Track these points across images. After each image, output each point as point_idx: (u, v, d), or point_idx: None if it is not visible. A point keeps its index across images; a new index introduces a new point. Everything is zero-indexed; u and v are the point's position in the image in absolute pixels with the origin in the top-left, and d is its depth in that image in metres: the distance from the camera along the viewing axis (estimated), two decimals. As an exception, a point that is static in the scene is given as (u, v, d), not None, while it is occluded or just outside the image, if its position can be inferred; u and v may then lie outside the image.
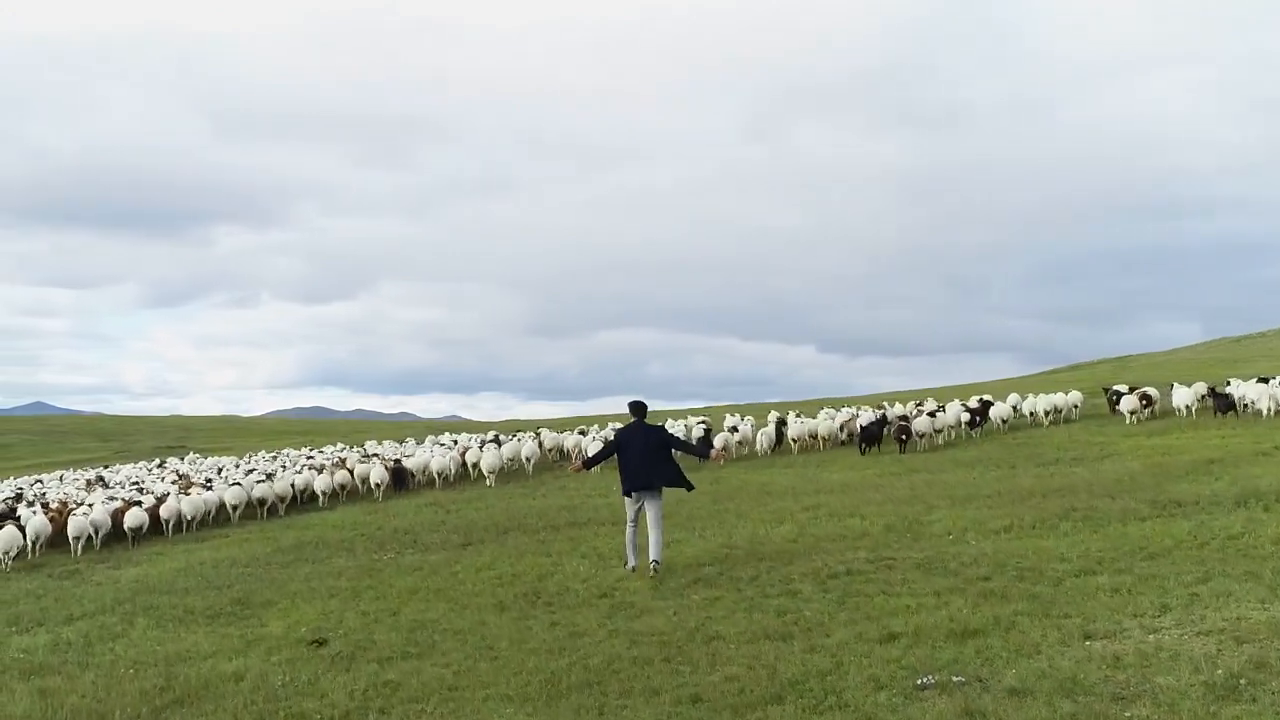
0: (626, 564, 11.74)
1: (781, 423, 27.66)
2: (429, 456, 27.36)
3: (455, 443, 33.17)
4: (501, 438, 32.53)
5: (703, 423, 31.05)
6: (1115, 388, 28.99)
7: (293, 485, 24.89)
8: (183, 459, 44.06)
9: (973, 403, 28.54)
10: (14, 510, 23.02)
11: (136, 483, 30.68)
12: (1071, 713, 5.82)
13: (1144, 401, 25.64)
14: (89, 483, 33.92)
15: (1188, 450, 18.26)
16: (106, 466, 44.83)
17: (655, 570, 11.32)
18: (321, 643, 9.46)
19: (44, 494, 29.08)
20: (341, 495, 25.11)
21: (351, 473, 26.18)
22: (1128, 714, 5.74)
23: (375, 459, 28.89)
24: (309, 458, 34.78)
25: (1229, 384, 26.29)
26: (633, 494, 11.94)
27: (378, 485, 24.84)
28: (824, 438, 26.36)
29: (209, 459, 41.90)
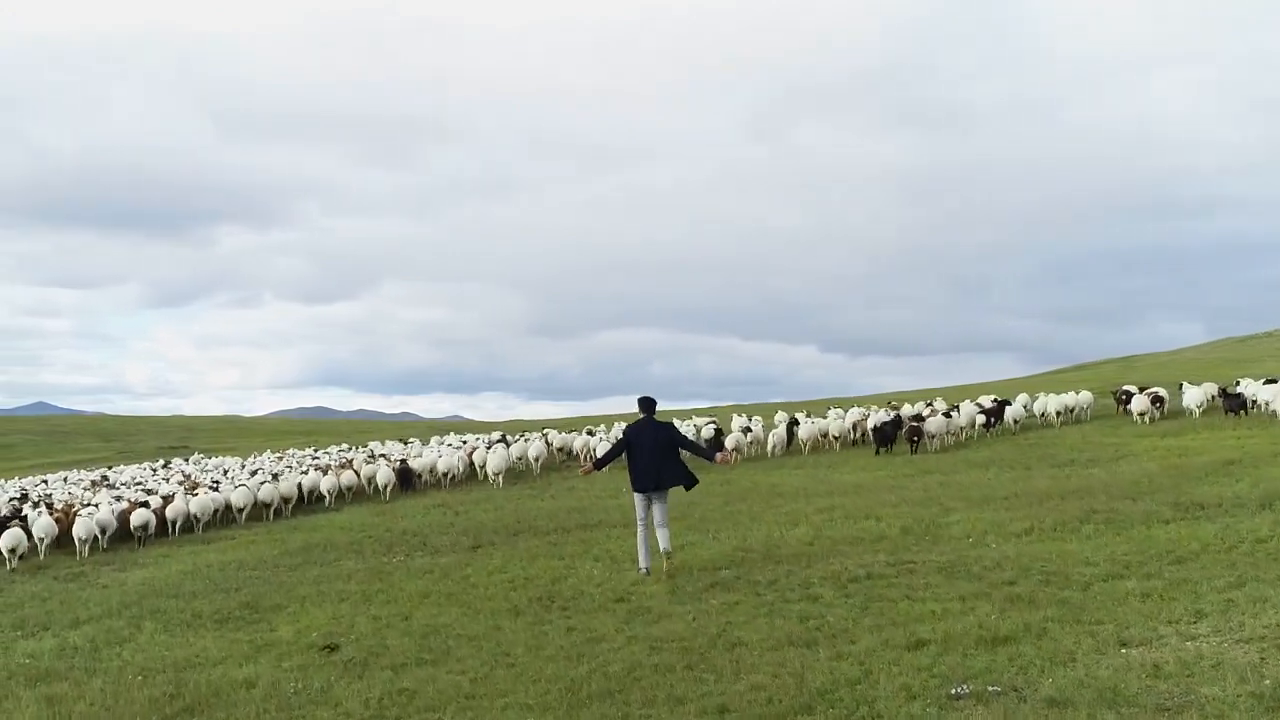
0: (639, 567, 11.57)
1: (794, 423, 27.47)
2: (436, 457, 27.24)
3: (465, 443, 33.03)
4: (509, 438, 32.37)
5: (711, 422, 30.88)
6: (1125, 388, 28.84)
7: (299, 486, 24.76)
8: (187, 459, 43.93)
9: (987, 402, 28.35)
10: (19, 511, 22.88)
11: (140, 483, 30.53)
12: (1115, 725, 5.64)
13: (1155, 402, 25.45)
14: (93, 483, 33.79)
15: (1205, 451, 18.05)
16: (110, 467, 44.69)
17: (668, 557, 11.38)
18: (333, 648, 9.27)
19: (49, 495, 28.91)
20: (348, 496, 24.97)
21: (358, 473, 26.05)
22: (1173, 726, 5.56)
23: (381, 459, 28.78)
24: (314, 458, 34.64)
25: (1237, 384, 26.14)
26: (641, 492, 11.83)
27: (385, 486, 24.73)
28: (835, 438, 26.18)
29: (213, 459, 41.77)
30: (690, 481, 11.97)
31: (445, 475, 26.18)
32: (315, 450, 39.87)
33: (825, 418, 28.49)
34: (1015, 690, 6.32)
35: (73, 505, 24.08)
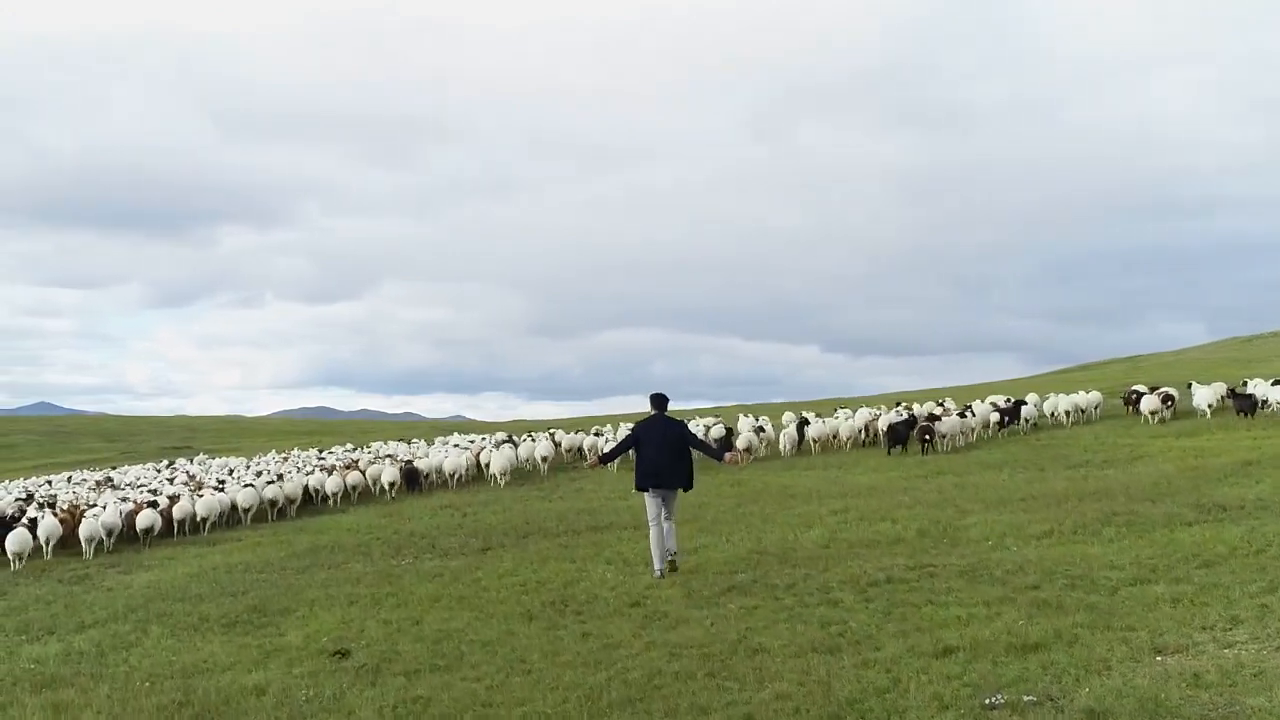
0: (654, 570, 11.38)
1: (805, 423, 27.28)
2: (443, 457, 27.11)
3: (473, 442, 32.89)
4: (515, 438, 32.22)
5: (719, 422, 30.71)
6: (1134, 388, 28.65)
7: (305, 486, 24.65)
8: (191, 460, 43.80)
9: (1001, 402, 28.16)
10: (24, 512, 22.74)
11: (143, 484, 30.38)
12: (1158, 737, 5.46)
13: (1165, 402, 25.25)
14: (98, 484, 33.67)
15: (1221, 452, 17.84)
16: (114, 468, 44.55)
17: (674, 559, 11.42)
18: (344, 654, 9.09)
19: (54, 496, 28.76)
20: (353, 496, 24.84)
21: (363, 473, 25.94)
22: (1219, 739, 5.38)
23: (387, 459, 28.66)
24: (320, 458, 34.51)
25: (1245, 384, 25.97)
26: (650, 490, 11.66)
27: (390, 486, 24.62)
28: (846, 438, 26.00)
29: (217, 459, 41.63)
30: (688, 484, 11.82)
31: (452, 475, 26.05)
32: (320, 451, 39.73)
33: (834, 418, 28.32)
34: (1051, 700, 6.13)
35: (78, 506, 23.96)
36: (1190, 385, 26.61)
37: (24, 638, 11.36)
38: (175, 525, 20.90)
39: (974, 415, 25.33)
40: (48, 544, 18.97)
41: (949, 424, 23.76)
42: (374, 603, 11.29)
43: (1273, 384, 24.56)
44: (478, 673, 8.10)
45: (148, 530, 19.79)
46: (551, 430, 35.02)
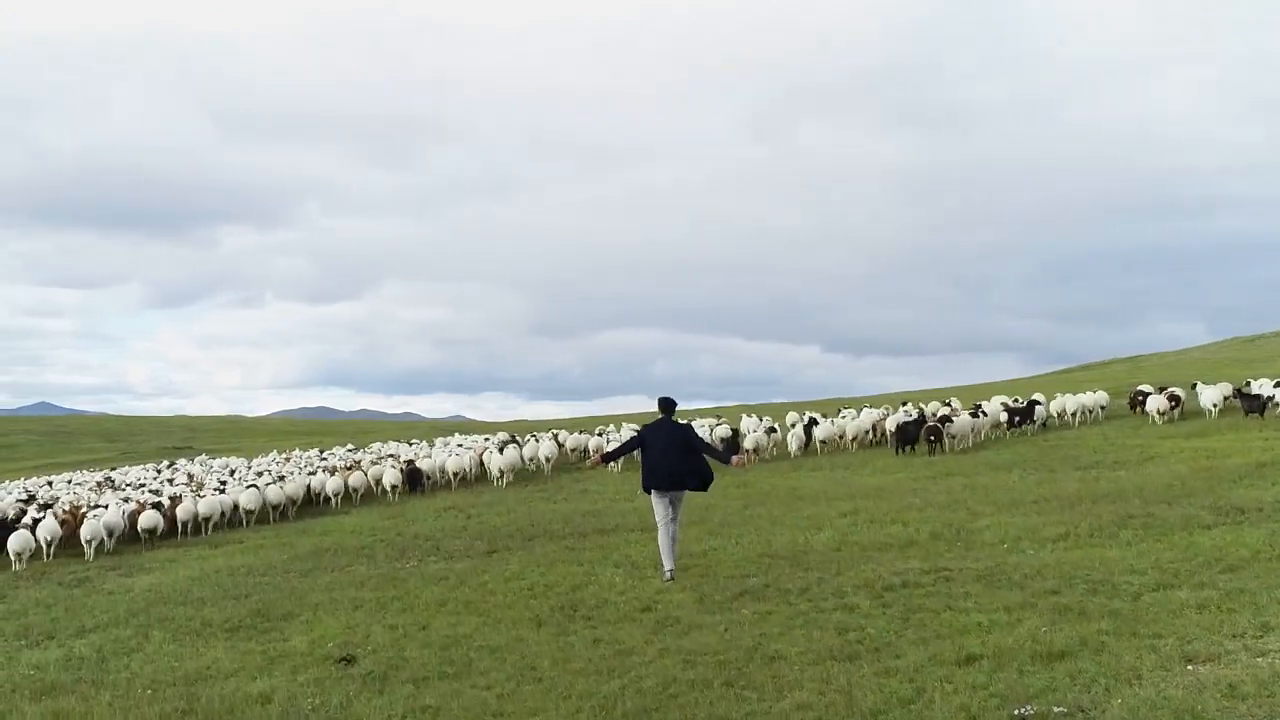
0: (663, 572, 11.23)
1: (813, 423, 27.10)
2: (446, 457, 26.98)
3: (480, 441, 32.75)
4: (518, 439, 32.09)
5: (722, 422, 30.54)
6: (1140, 388, 28.49)
7: (308, 488, 24.52)
8: (192, 460, 43.64)
9: (1010, 402, 27.97)
10: (25, 512, 22.61)
11: (143, 485, 30.22)
12: (1195, 751, 5.27)
13: (1172, 402, 25.06)
14: (99, 484, 33.52)
15: (1233, 453, 17.63)
16: (114, 468, 44.40)
17: (669, 577, 11.15)
18: (350, 660, 8.91)
19: (55, 497, 28.60)
20: (355, 497, 24.69)
21: (365, 474, 25.81)
22: (1260, 753, 5.19)
23: (390, 460, 28.54)
24: (321, 459, 34.36)
25: (1248, 384, 25.82)
26: (655, 492, 11.52)
27: (392, 487, 24.49)
28: (853, 439, 25.81)
29: (218, 460, 41.47)
30: (704, 485, 11.63)
31: (455, 476, 25.92)
32: (321, 451, 39.57)
33: (841, 418, 28.15)
34: (1082, 711, 5.95)
35: (79, 506, 23.82)
36: (1195, 386, 26.45)
37: (24, 643, 11.19)
38: (179, 526, 20.77)
39: (986, 415, 25.10)
40: (48, 545, 18.83)
41: (961, 423, 23.53)
42: (379, 607, 11.11)
43: (1276, 385, 24.41)
44: (487, 680, 7.92)
45: (151, 531, 19.65)
46: (554, 431, 34.87)
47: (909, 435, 23.12)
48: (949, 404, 30.27)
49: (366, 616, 10.68)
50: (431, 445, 34.51)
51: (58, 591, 14.62)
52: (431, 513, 20.01)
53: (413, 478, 25.22)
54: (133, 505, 22.03)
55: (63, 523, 19.89)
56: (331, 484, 24.61)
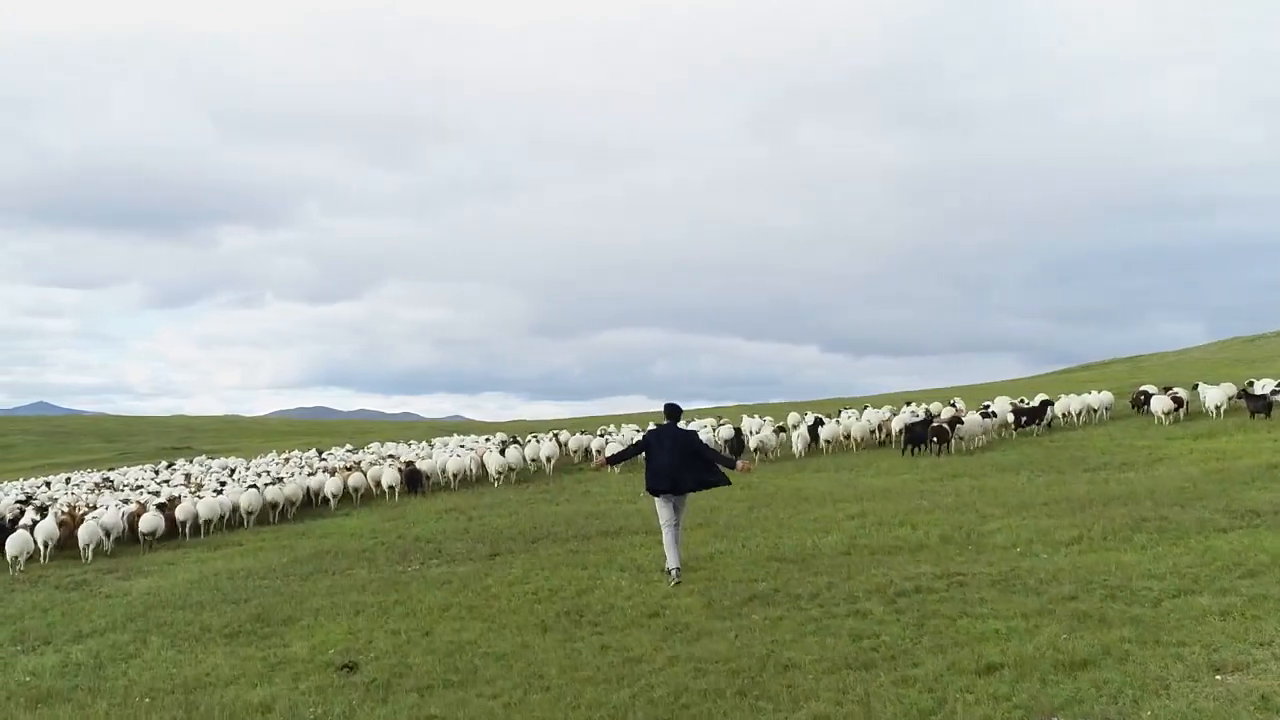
0: (669, 568, 11.25)
1: (819, 423, 26.93)
2: (446, 457, 26.85)
3: (481, 443, 32.61)
4: (520, 440, 31.94)
5: (724, 422, 30.37)
6: (1143, 388, 28.35)
7: (307, 489, 24.37)
8: (191, 460, 43.48)
9: (1014, 401, 27.80)
10: (23, 513, 22.49)
11: (140, 486, 30.07)
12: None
13: (1176, 403, 24.90)
14: (97, 485, 33.38)
15: (1243, 455, 17.44)
16: (112, 468, 44.25)
17: (676, 578, 11.12)
18: (352, 667, 8.72)
19: (53, 498, 28.45)
20: (355, 498, 24.54)
21: (365, 474, 25.69)
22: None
23: (390, 460, 28.41)
24: (321, 460, 34.21)
25: (1250, 384, 25.68)
26: (660, 495, 11.58)
27: (391, 488, 24.39)
28: (857, 439, 25.63)
29: (217, 460, 41.31)
30: (713, 482, 11.68)
31: (455, 476, 25.77)
32: (320, 452, 39.41)
33: (847, 418, 27.99)
34: (1110, 724, 5.77)
35: (74, 506, 23.71)
36: (1197, 386, 26.31)
37: (19, 648, 11.01)
38: (178, 527, 20.62)
39: (996, 415, 24.91)
40: (45, 547, 18.67)
41: (972, 424, 23.33)
42: (381, 612, 10.92)
43: (1278, 385, 24.25)
44: (494, 689, 7.73)
45: (151, 533, 19.49)
46: (555, 431, 34.72)
47: (917, 436, 22.93)
48: (954, 404, 30.12)
49: (368, 622, 10.48)
50: (431, 446, 34.35)
51: (55, 595, 14.43)
52: (432, 515, 19.81)
53: (412, 479, 25.08)
54: (132, 507, 21.89)
55: (61, 524, 19.74)
56: (331, 485, 24.47)
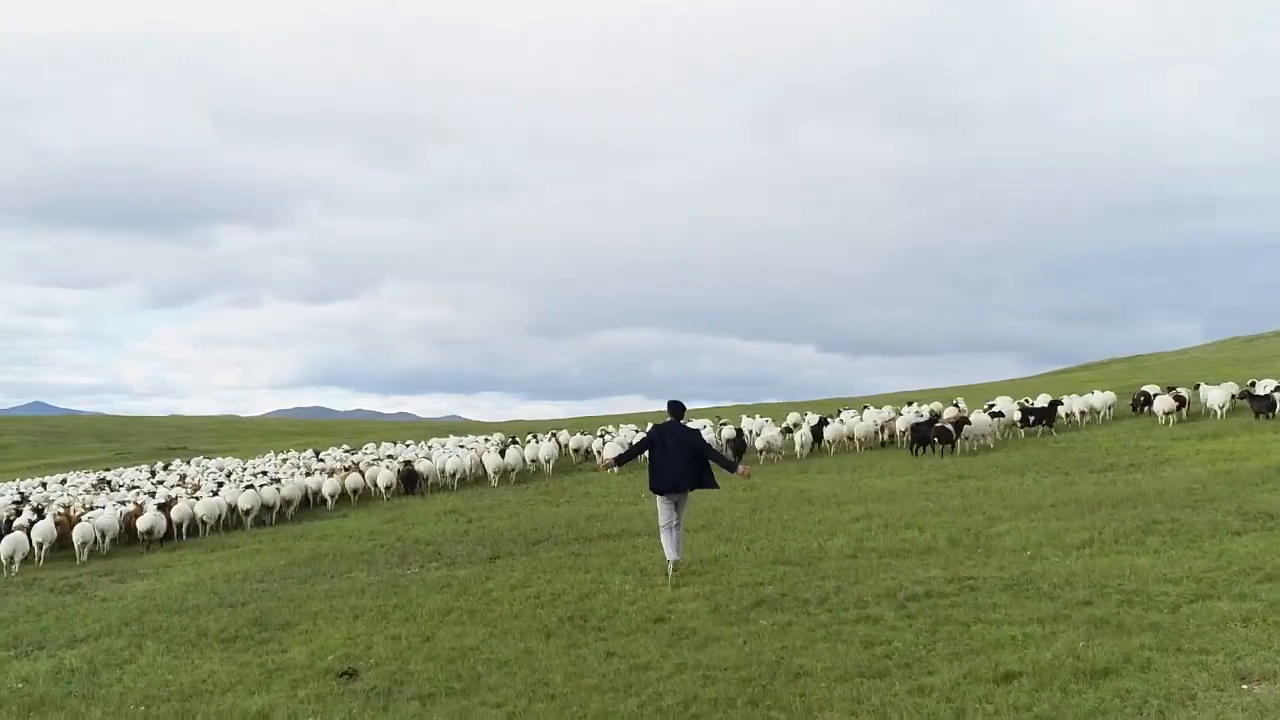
0: (668, 560, 11.38)
1: (823, 423, 26.76)
2: (445, 458, 26.69)
3: (481, 443, 32.46)
4: (518, 440, 31.79)
5: (723, 423, 30.20)
6: (1145, 388, 28.24)
7: (305, 489, 24.21)
8: (188, 461, 43.28)
9: (1011, 401, 27.63)
10: (19, 513, 22.35)
11: (136, 487, 29.88)
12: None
13: (1178, 403, 24.76)
14: (94, 486, 33.20)
15: (1251, 456, 17.27)
16: (109, 469, 44.04)
17: (675, 568, 11.23)
18: (352, 674, 8.52)
19: (48, 499, 28.27)
20: (353, 499, 24.39)
21: (363, 474, 25.55)
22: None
23: (388, 460, 28.27)
24: (320, 460, 34.02)
25: (1253, 384, 25.57)
26: (662, 495, 11.58)
27: (386, 488, 24.29)
28: (861, 439, 25.45)
29: (214, 460, 41.11)
30: (710, 484, 11.77)
31: (453, 476, 25.61)
32: (317, 453, 39.22)
33: (851, 418, 27.84)
34: (1137, 736, 5.58)
35: (68, 506, 23.55)
36: (1198, 386, 26.20)
37: (12, 653, 10.81)
38: (174, 528, 20.44)
39: (1004, 415, 24.72)
40: (40, 548, 18.51)
41: (980, 424, 23.13)
42: (381, 616, 10.72)
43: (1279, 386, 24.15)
44: (497, 697, 7.54)
45: (149, 533, 19.33)
46: (553, 432, 34.56)
47: (923, 436, 22.73)
48: (956, 404, 29.96)
49: (368, 626, 10.29)
50: (429, 447, 34.17)
51: (49, 598, 14.23)
52: (431, 516, 19.60)
53: (409, 479, 24.92)
54: (129, 507, 21.72)
55: (58, 524, 19.59)
56: (329, 485, 24.31)
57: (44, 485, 36.16)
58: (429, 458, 27.82)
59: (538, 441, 28.63)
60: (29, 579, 16.26)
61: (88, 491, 30.93)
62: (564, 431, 33.36)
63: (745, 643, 8.32)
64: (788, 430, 26.28)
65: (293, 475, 26.36)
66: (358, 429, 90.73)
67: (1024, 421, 25.00)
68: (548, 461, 26.17)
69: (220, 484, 26.02)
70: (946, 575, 10.07)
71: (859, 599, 9.42)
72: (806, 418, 30.01)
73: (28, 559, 18.05)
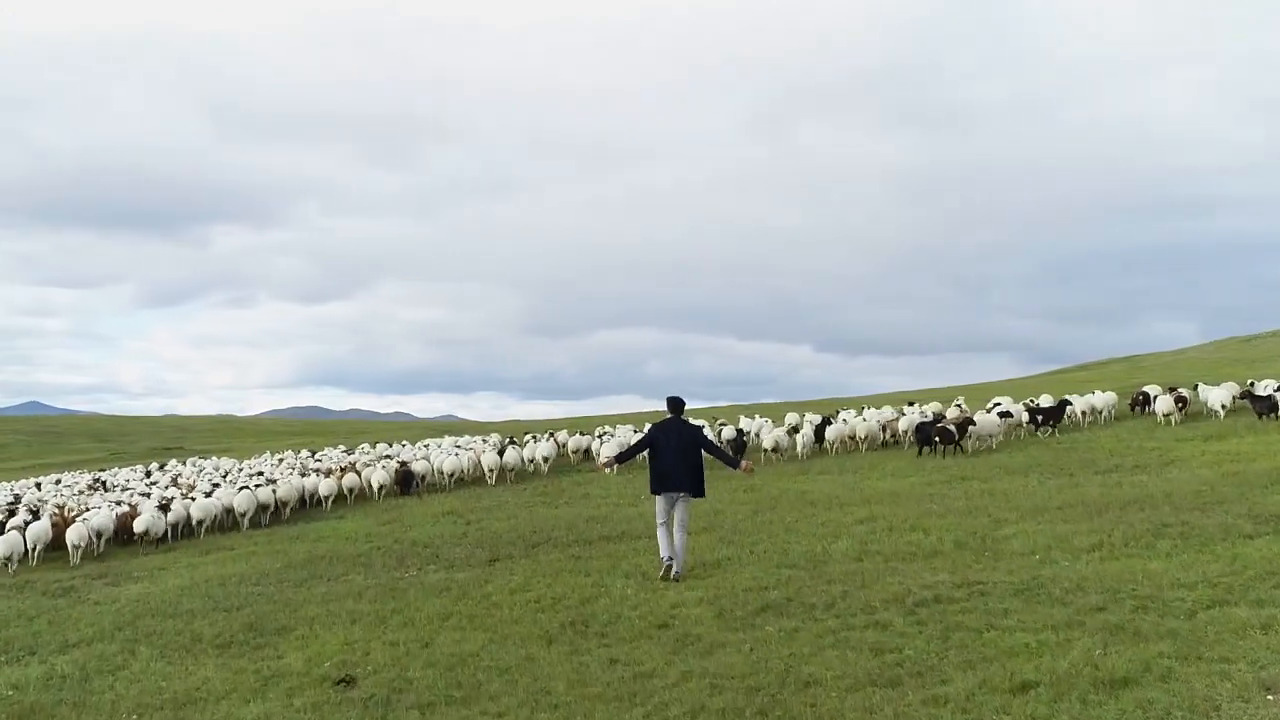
0: (661, 558, 11.40)
1: (826, 422, 26.58)
2: (443, 458, 26.54)
3: (479, 444, 32.29)
4: (516, 440, 31.62)
5: (722, 423, 30.04)
6: (1145, 389, 28.12)
7: (301, 490, 24.04)
8: (184, 462, 43.07)
9: (1008, 401, 27.46)
10: (13, 514, 22.17)
11: (130, 488, 29.68)
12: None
13: (1179, 404, 24.62)
14: (89, 486, 33.02)
15: (1258, 457, 17.08)
16: (104, 469, 43.82)
17: (675, 578, 11.05)
18: (349, 682, 8.32)
19: (42, 499, 28.06)
20: (349, 499, 24.21)
21: (359, 474, 25.39)
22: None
23: (386, 460, 28.12)
24: (316, 460, 33.85)
25: (1252, 385, 25.44)
26: (660, 494, 11.52)
27: (380, 487, 24.16)
28: (864, 439, 25.27)
29: (210, 460, 40.90)
30: (699, 491, 11.70)
31: (451, 476, 25.44)
32: (313, 453, 39.02)
33: (838, 419, 27.68)
34: (1162, 750, 5.40)
35: (62, 507, 23.38)
36: (1197, 387, 26.07)
37: (3, 659, 10.62)
38: (170, 529, 20.26)
39: (1011, 415, 24.54)
40: (34, 549, 18.32)
41: (987, 424, 22.93)
42: (378, 621, 10.52)
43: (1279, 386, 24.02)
44: (499, 706, 7.34)
45: (146, 531, 19.16)
46: (551, 431, 34.38)
47: (928, 435, 22.52)
48: (959, 405, 29.80)
49: (365, 632, 10.09)
50: (425, 447, 33.99)
51: (41, 602, 14.02)
52: (429, 518, 19.38)
53: (405, 480, 24.74)
54: (124, 508, 21.53)
55: (53, 525, 19.41)
56: (324, 486, 24.13)
57: (38, 486, 35.95)
58: (427, 458, 27.64)
59: (536, 441, 28.46)
60: (21, 581, 16.05)
61: (82, 492, 30.74)
62: (563, 432, 33.18)
63: (752, 650, 8.13)
64: (795, 430, 26.08)
65: (289, 476, 26.16)
66: (354, 429, 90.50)
67: (1032, 422, 24.80)
68: (545, 461, 25.99)
69: (215, 485, 25.82)
70: (955, 580, 9.88)
71: (867, 604, 9.24)
72: (806, 418, 29.85)
73: (22, 560, 17.85)
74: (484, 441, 33.17)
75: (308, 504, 24.18)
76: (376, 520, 20.00)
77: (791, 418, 31.85)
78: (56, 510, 22.16)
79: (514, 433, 40.32)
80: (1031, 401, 27.58)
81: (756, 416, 33.32)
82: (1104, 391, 27.32)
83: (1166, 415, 24.19)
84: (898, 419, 25.79)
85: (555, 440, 29.30)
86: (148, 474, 36.60)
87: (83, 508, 22.96)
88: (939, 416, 24.92)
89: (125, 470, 40.83)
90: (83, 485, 33.94)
